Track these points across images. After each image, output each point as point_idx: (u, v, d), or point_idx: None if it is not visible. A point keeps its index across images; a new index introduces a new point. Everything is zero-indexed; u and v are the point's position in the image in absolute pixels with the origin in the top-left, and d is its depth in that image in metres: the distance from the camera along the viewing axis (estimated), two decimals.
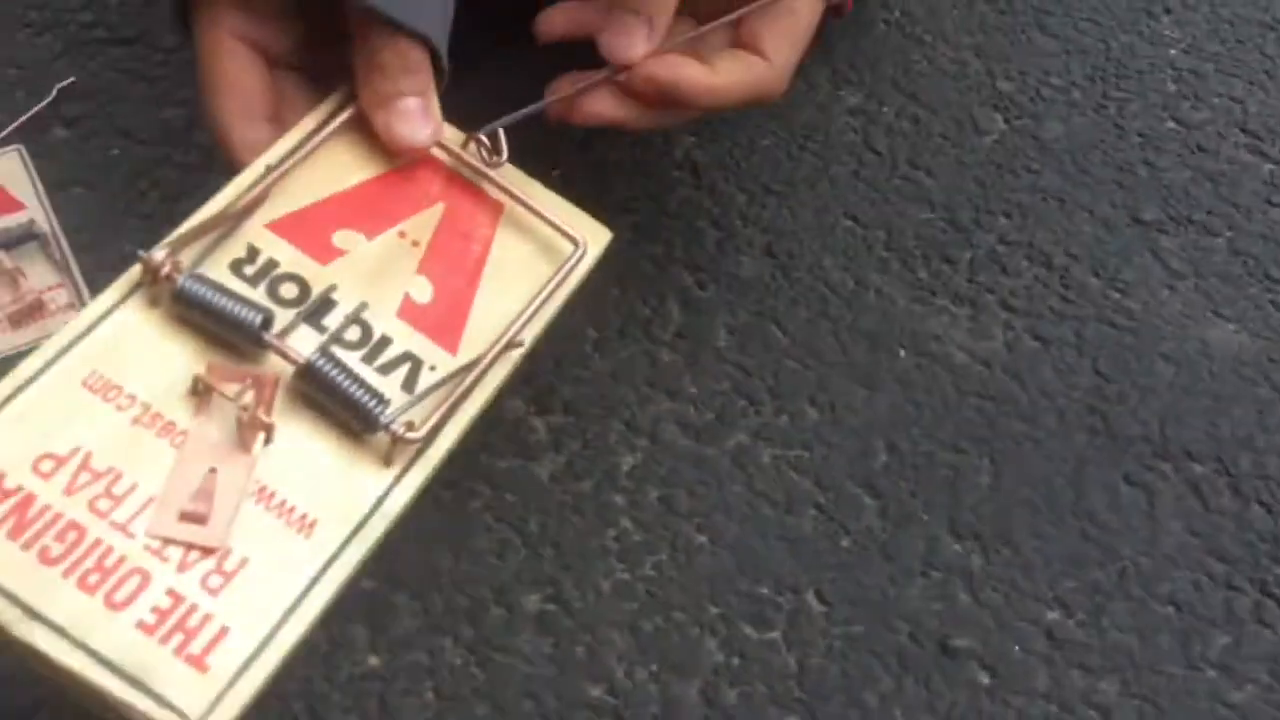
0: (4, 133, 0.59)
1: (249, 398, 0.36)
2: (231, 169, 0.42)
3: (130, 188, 0.58)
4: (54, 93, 0.61)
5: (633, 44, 0.45)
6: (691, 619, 0.47)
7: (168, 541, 0.34)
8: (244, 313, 0.37)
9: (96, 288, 0.53)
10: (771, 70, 0.49)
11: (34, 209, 0.56)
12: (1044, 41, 0.69)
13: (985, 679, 0.46)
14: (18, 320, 0.52)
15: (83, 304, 0.52)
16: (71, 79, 0.62)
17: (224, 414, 0.36)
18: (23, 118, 0.60)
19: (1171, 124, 0.65)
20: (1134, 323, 0.56)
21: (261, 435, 0.36)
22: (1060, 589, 0.48)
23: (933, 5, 0.70)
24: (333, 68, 0.44)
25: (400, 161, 0.43)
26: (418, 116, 0.42)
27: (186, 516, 0.34)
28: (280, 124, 0.43)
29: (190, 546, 0.34)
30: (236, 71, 0.43)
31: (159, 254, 0.37)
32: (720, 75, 0.47)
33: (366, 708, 0.44)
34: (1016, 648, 0.47)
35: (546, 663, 0.46)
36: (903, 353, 0.55)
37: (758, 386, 0.53)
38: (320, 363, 0.37)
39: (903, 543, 0.49)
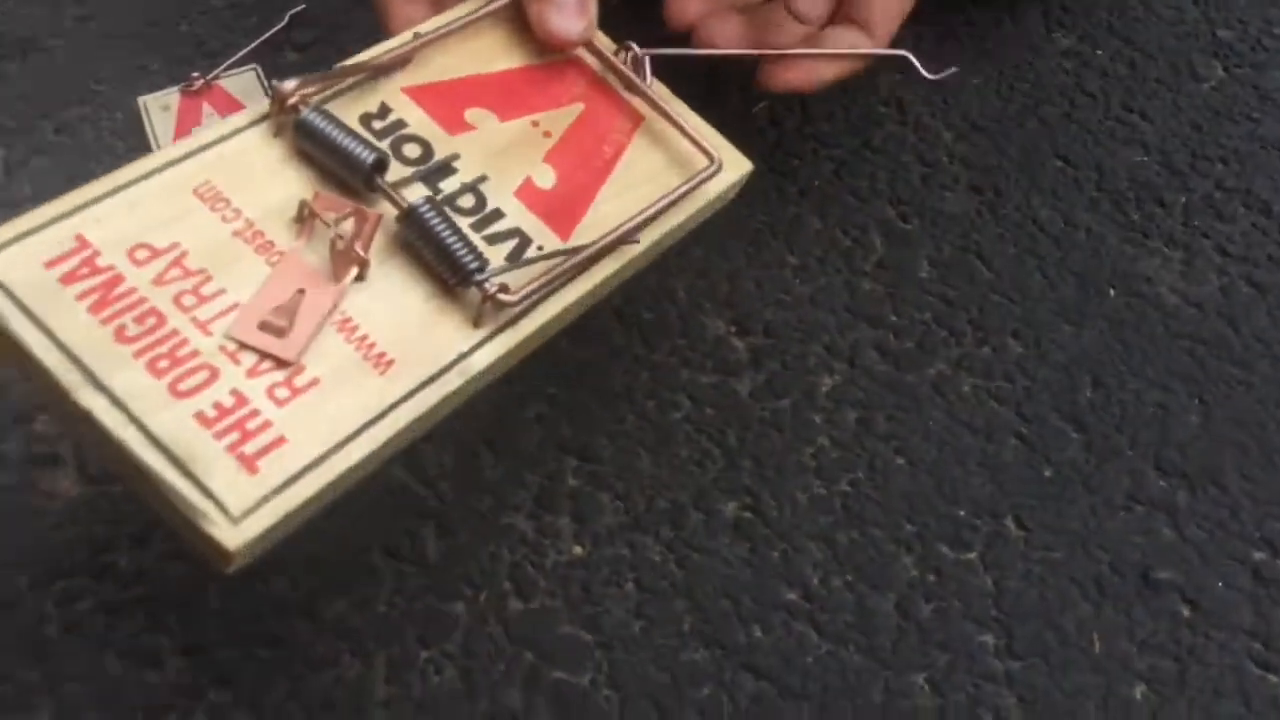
0: (241, 54, 0.62)
1: (348, 228, 0.36)
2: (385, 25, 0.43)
3: None
4: (286, 18, 0.64)
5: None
6: (887, 535, 0.48)
7: (244, 346, 0.34)
8: (359, 150, 0.37)
9: None
10: (875, 42, 0.49)
11: None
12: None
13: (1186, 611, 0.46)
14: None
15: None
16: (302, 5, 0.65)
17: (323, 242, 0.36)
18: (258, 40, 0.63)
19: None
20: None
21: (354, 269, 0.36)
22: (1268, 530, 0.47)
23: None
24: None
25: (547, 58, 0.43)
26: (572, 10, 0.42)
27: (266, 326, 0.35)
28: (439, 7, 0.44)
29: (264, 355, 0.34)
30: None
31: (289, 84, 0.38)
32: (839, 67, 0.49)
33: (570, 592, 0.46)
34: (1220, 583, 0.46)
35: (743, 566, 0.47)
36: (1112, 292, 0.54)
37: (960, 318, 0.54)
38: (424, 209, 0.37)
39: (1106, 476, 0.49)
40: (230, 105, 0.60)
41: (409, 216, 0.37)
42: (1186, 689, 0.44)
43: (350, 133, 0.37)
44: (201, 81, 0.61)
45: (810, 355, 0.53)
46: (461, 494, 0.48)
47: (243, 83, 0.61)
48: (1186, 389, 0.51)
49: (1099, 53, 0.64)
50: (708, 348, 0.53)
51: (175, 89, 0.61)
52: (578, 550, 0.47)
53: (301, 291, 0.35)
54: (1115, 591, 0.46)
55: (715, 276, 0.55)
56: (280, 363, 0.34)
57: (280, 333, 0.34)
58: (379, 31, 0.64)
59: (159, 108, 0.60)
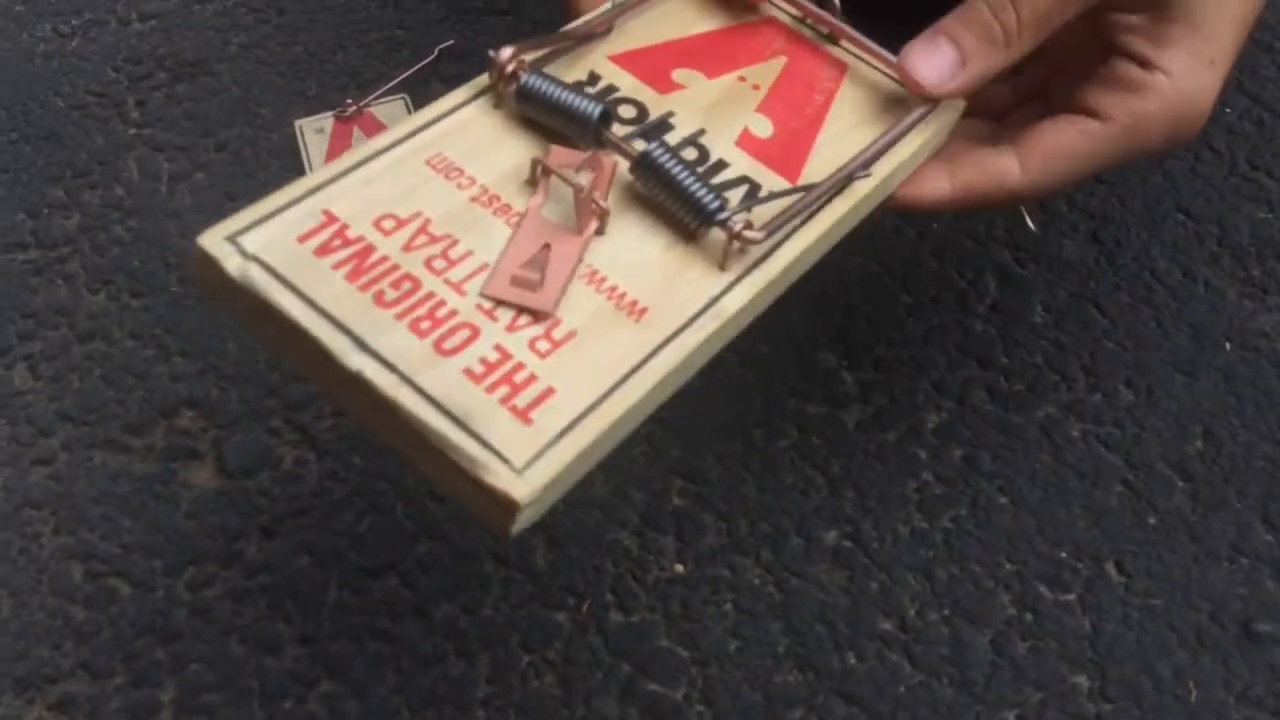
0: (391, 84, 0.66)
1: (586, 179, 0.37)
2: (574, 13, 0.43)
3: None
4: (435, 53, 0.68)
5: (926, 64, 0.41)
6: (987, 572, 0.48)
7: (499, 302, 0.35)
8: (584, 104, 0.37)
9: None
10: (1021, 179, 0.42)
11: None
12: None
13: None
14: None
15: None
16: (450, 41, 0.69)
17: (560, 198, 0.37)
18: (408, 71, 0.67)
19: None
20: None
21: (595, 220, 0.36)
22: None
23: None
24: None
25: (741, 18, 0.44)
26: None
27: (518, 281, 0.35)
28: None
29: (521, 309, 0.34)
30: None
31: (506, 51, 0.38)
32: (962, 182, 0.42)
33: (670, 608, 0.48)
34: None
35: (841, 593, 0.48)
36: (1228, 345, 0.54)
37: (1072, 363, 0.54)
38: (658, 152, 0.37)
39: (1212, 526, 0.49)
40: (378, 131, 0.64)
41: (643, 162, 0.37)
42: None
43: (572, 88, 0.38)
44: (354, 108, 0.64)
45: (919, 391, 0.53)
46: (571, 508, 0.50)
47: (391, 110, 0.65)
48: None
49: (1227, 110, 0.63)
50: (818, 379, 0.54)
51: (329, 114, 0.65)
52: (679, 568, 0.49)
53: (547, 246, 0.36)
54: (1214, 642, 0.46)
55: (831, 312, 0.56)
56: (537, 315, 0.35)
57: (533, 286, 0.35)
58: None
59: (313, 130, 0.64)
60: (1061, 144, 0.41)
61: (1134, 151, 0.42)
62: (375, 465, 0.52)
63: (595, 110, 0.37)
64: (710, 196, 0.36)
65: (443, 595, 0.48)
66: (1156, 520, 0.49)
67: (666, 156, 0.37)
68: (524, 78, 0.38)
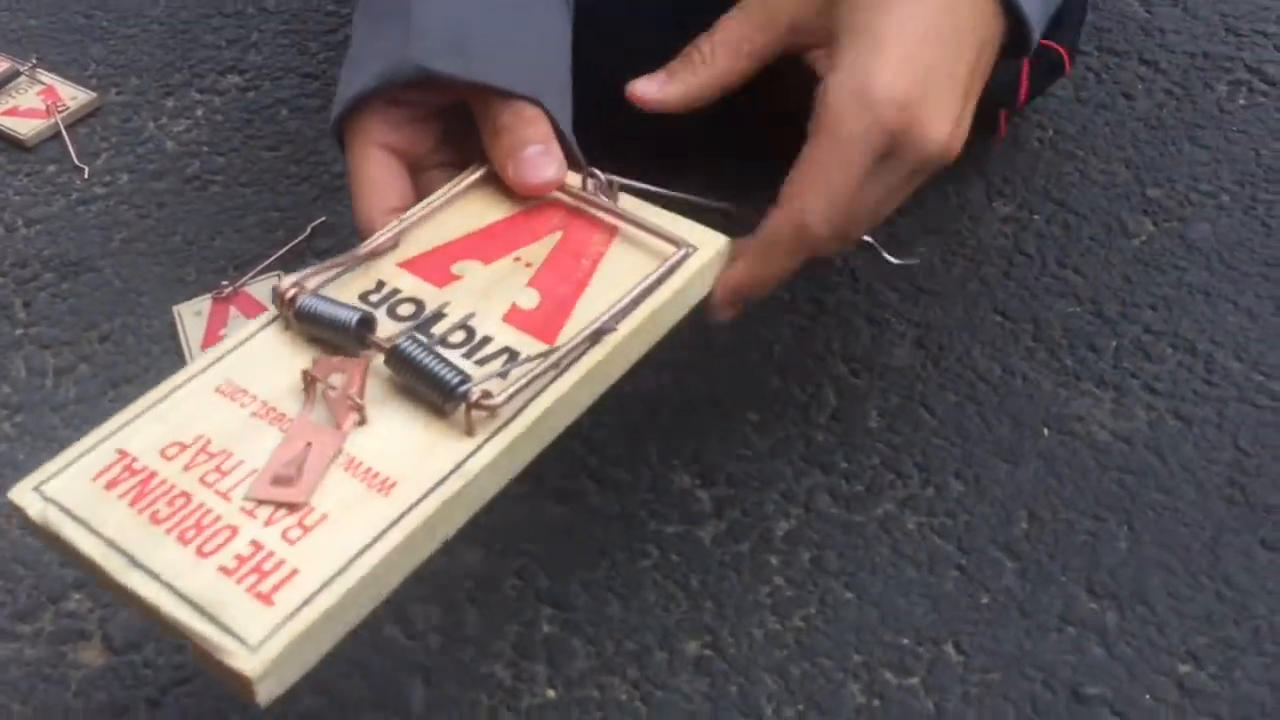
0: (267, 262, 0.70)
1: (340, 380, 0.41)
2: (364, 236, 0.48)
3: None
4: (309, 230, 0.72)
5: (644, 83, 0.49)
6: (837, 665, 0.51)
7: (260, 502, 0.39)
8: (343, 314, 0.42)
9: None
10: (782, 211, 0.46)
11: None
12: (1194, 152, 0.72)
13: None
14: None
15: None
16: (323, 218, 0.73)
17: (326, 401, 0.42)
18: (283, 249, 0.71)
19: None
20: (1276, 403, 0.58)
21: (353, 415, 0.41)
22: (1193, 644, 0.50)
23: (1085, 123, 0.75)
24: (470, 157, 0.51)
25: (529, 204, 0.48)
26: (540, 160, 0.48)
27: (278, 480, 0.40)
28: (413, 200, 0.50)
29: (279, 504, 0.39)
30: (378, 173, 0.50)
31: (287, 282, 0.44)
32: (751, 246, 0.48)
33: None
34: (1148, 696, 0.49)
35: (703, 700, 0.50)
36: (1046, 432, 0.58)
37: (905, 462, 0.58)
38: (404, 343, 0.41)
39: (1040, 601, 0.52)
40: (255, 308, 0.68)
41: (393, 355, 0.41)
42: None
43: (337, 303, 0.43)
44: (230, 289, 0.68)
45: (768, 502, 0.57)
46: (446, 646, 0.53)
47: (267, 288, 0.69)
48: (1115, 517, 0.55)
49: (1035, 216, 0.69)
50: (674, 500, 0.57)
51: (207, 297, 0.68)
52: (550, 694, 0.51)
53: (309, 445, 0.40)
54: (1048, 709, 0.49)
55: (683, 436, 0.60)
56: (294, 507, 0.39)
57: (290, 482, 0.39)
58: None
59: (191, 314, 0.68)
60: (796, 172, 0.46)
61: (851, 144, 0.45)
62: None
63: (353, 318, 0.42)
64: (451, 374, 0.41)
65: None
66: (989, 599, 0.52)
67: (411, 345, 0.41)
68: (300, 300, 0.43)
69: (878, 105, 0.44)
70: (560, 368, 0.42)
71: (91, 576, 0.40)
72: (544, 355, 0.42)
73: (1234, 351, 0.61)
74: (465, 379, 0.41)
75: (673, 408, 0.61)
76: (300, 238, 0.72)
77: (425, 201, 0.49)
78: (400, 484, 0.40)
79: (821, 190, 0.45)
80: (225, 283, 0.69)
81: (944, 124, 0.46)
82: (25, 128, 0.80)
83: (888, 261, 0.55)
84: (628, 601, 0.54)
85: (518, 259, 0.47)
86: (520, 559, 0.56)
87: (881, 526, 0.55)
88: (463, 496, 0.40)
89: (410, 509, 0.39)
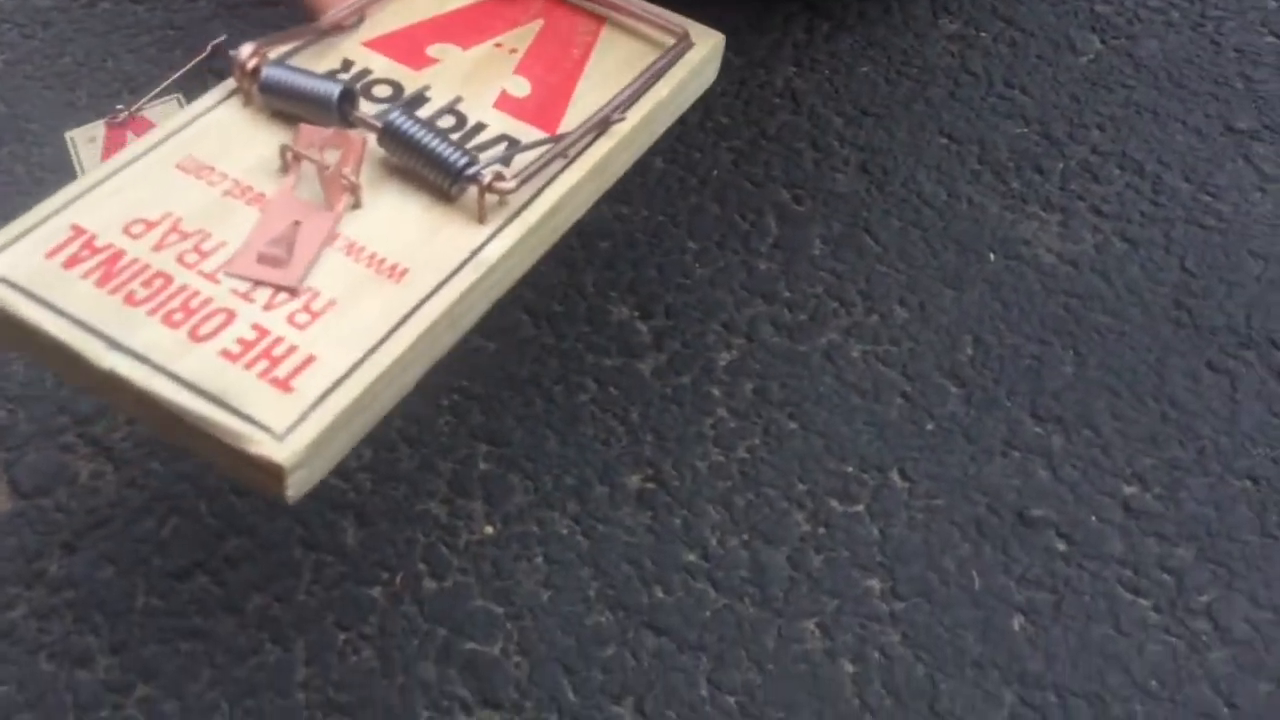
0: (164, 85, 0.65)
1: (333, 156, 0.37)
2: (315, 16, 0.44)
3: None
4: (208, 49, 0.67)
5: None
6: (781, 494, 0.50)
7: (245, 279, 0.35)
8: (324, 86, 0.38)
9: None
10: None
11: None
12: None
13: (1061, 545, 0.48)
14: None
15: None
16: (223, 36, 0.68)
17: (311, 179, 0.38)
18: (180, 71, 0.66)
19: (1270, 38, 0.65)
20: (1223, 223, 0.57)
21: (346, 196, 0.37)
22: (1139, 466, 0.50)
23: None
24: None
25: None
26: None
27: (264, 259, 0.36)
28: None
29: (265, 284, 0.35)
30: None
31: (247, 49, 0.39)
32: None
33: (482, 569, 0.49)
34: (1093, 518, 0.48)
35: (645, 533, 0.49)
36: (992, 256, 0.57)
37: (849, 290, 0.56)
38: (400, 120, 0.37)
39: (985, 426, 0.51)
40: None
41: (386, 131, 0.37)
42: (1061, 617, 0.46)
43: (312, 74, 0.39)
44: (126, 113, 0.63)
45: (709, 333, 0.55)
46: (379, 485, 0.51)
47: (166, 111, 0.64)
48: (1061, 341, 0.54)
49: (982, 35, 0.67)
50: (612, 332, 0.55)
51: (101, 122, 0.63)
52: (489, 530, 0.50)
53: (297, 223, 0.36)
54: (994, 532, 0.48)
55: (620, 267, 0.57)
56: (286, 290, 0.35)
57: (278, 262, 0.36)
58: None
59: (86, 140, 0.63)
60: None
61: None
62: (175, 468, 0.51)
63: (335, 90, 0.38)
64: (458, 155, 0.37)
65: (253, 587, 0.48)
66: (934, 426, 0.52)
67: (409, 123, 0.37)
68: (265, 71, 0.39)
69: None
70: (569, 157, 0.39)
71: (47, 368, 0.36)
72: (553, 141, 0.39)
73: (1182, 172, 0.60)
74: (473, 160, 0.37)
75: (609, 238, 0.58)
76: (199, 57, 0.67)
77: None
78: (412, 270, 0.36)
79: None
80: (120, 106, 0.64)
81: None
82: None
83: None
84: (565, 436, 0.52)
85: (499, 45, 0.44)
86: (453, 396, 0.53)
87: (825, 355, 0.54)
88: (480, 286, 0.37)
89: (430, 296, 0.36)
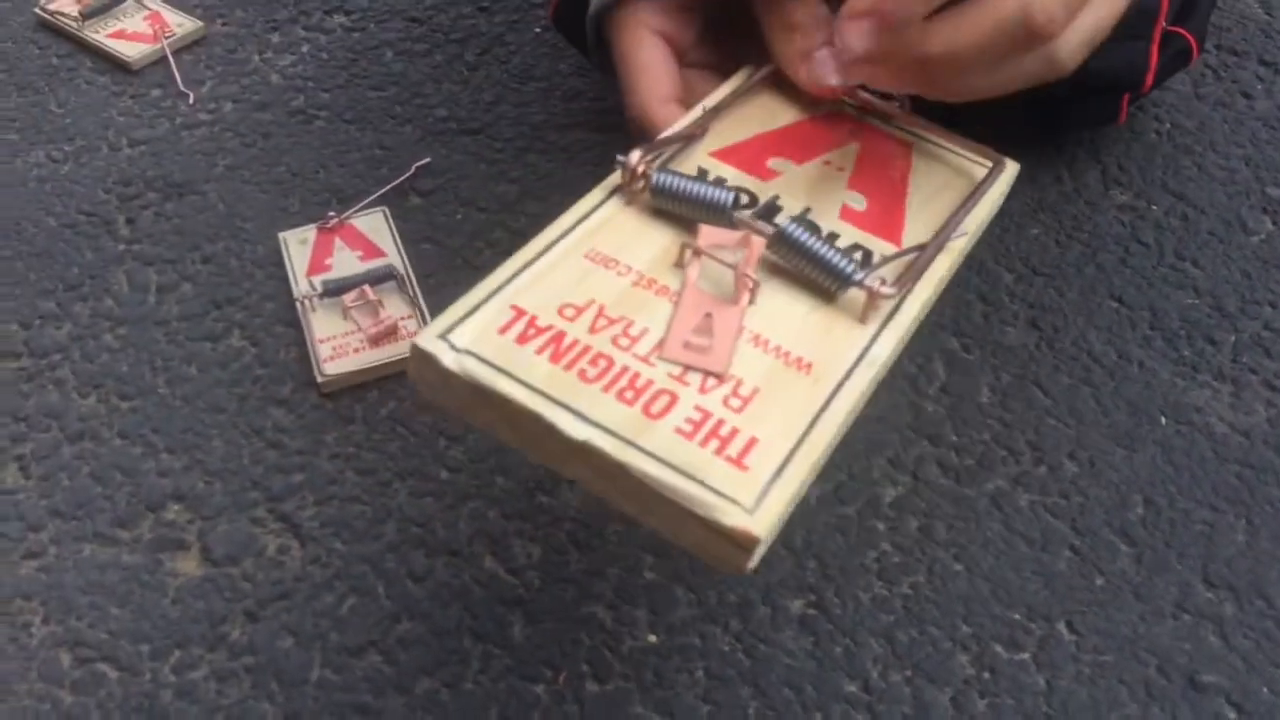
0: (371, 198, 0.70)
1: (736, 256, 0.40)
2: (637, 134, 0.47)
3: (468, 246, 0.68)
4: (412, 169, 0.72)
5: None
6: (945, 634, 0.50)
7: (677, 363, 0.38)
8: (718, 193, 0.42)
9: None
10: None
11: (393, 257, 0.66)
12: None
13: (1232, 715, 0.47)
14: (377, 340, 0.61)
15: None
16: (427, 159, 0.73)
17: (707, 276, 0.41)
18: (386, 187, 0.71)
19: None
20: None
21: (747, 294, 0.40)
22: None
23: (1203, 119, 0.74)
24: (723, 60, 0.50)
25: (813, 111, 0.48)
26: (834, 61, 0.46)
27: (690, 346, 0.38)
28: (687, 103, 0.48)
29: (696, 369, 0.38)
30: (655, 59, 0.49)
31: (635, 155, 0.42)
32: (962, 9, 0.42)
33: (644, 677, 0.50)
34: (1265, 689, 0.48)
35: (807, 658, 0.50)
36: (1164, 420, 0.57)
37: (1018, 439, 0.57)
38: (792, 228, 0.41)
39: (1156, 586, 0.51)
40: (360, 240, 0.67)
41: (781, 237, 0.41)
42: None
43: (703, 180, 0.42)
44: (336, 219, 0.68)
45: (875, 468, 0.56)
46: (547, 585, 0.52)
47: (372, 221, 0.69)
48: (1234, 510, 0.54)
49: (1154, 207, 0.68)
50: None
51: (313, 226, 0.68)
52: (652, 638, 0.51)
53: (709, 315, 0.40)
54: (1162, 693, 0.48)
55: None
56: (713, 375, 0.38)
57: (704, 350, 0.38)
58: (494, 182, 0.72)
59: (297, 241, 0.67)
60: None
61: None
62: (356, 550, 0.54)
63: (729, 197, 0.42)
64: (845, 261, 0.40)
65: (423, 671, 0.50)
66: (1103, 582, 0.52)
67: (801, 231, 0.41)
68: (655, 176, 0.42)
69: None
70: (919, 268, 0.42)
71: (489, 435, 0.38)
72: (916, 251, 0.42)
73: None
74: (858, 266, 0.40)
75: None
76: (404, 176, 0.72)
77: (722, 91, 0.48)
78: (817, 365, 0.39)
79: None
80: (331, 214, 0.68)
81: None
82: (132, 50, 0.80)
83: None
84: None
85: (828, 162, 0.47)
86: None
87: (993, 501, 0.55)
88: (870, 385, 0.40)
89: (837, 390, 0.38)
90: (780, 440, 0.36)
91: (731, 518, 0.34)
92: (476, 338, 0.38)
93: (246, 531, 0.54)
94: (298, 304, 0.63)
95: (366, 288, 0.63)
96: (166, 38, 0.81)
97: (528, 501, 0.55)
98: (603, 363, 0.38)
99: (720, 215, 0.42)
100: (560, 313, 0.39)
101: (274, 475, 0.56)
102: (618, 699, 0.49)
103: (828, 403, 0.38)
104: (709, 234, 0.41)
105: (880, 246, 0.44)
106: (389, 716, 0.48)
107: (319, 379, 0.60)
